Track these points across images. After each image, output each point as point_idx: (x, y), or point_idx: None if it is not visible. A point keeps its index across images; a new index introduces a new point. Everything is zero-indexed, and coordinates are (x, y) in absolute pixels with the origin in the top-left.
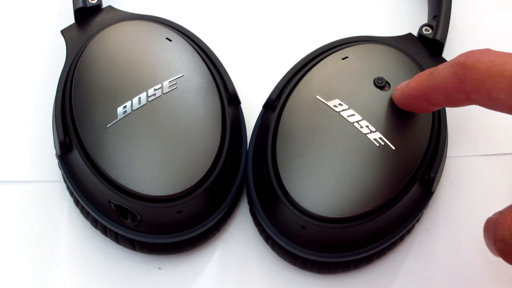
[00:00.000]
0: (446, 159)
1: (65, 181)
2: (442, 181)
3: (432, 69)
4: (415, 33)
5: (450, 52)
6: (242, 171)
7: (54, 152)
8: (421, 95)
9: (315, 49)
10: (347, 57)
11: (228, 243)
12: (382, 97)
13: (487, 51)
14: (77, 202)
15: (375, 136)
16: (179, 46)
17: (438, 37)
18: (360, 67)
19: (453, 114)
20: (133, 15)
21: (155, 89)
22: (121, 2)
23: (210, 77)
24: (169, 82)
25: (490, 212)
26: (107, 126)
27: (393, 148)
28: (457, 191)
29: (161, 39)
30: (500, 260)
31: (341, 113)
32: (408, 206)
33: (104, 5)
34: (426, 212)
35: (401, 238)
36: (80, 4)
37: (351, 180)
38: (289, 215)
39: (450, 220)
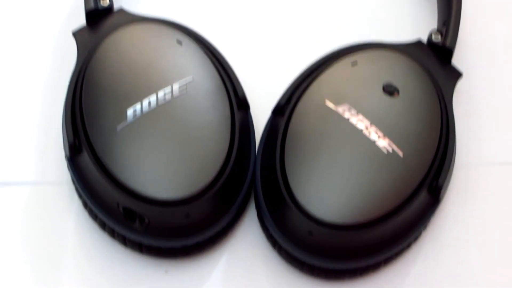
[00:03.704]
0: (454, 167)
1: (73, 183)
2: (450, 189)
3: None
4: (425, 39)
5: (460, 59)
6: (250, 176)
7: (63, 153)
8: None
9: (325, 55)
10: (356, 63)
11: (235, 248)
12: (391, 103)
13: None
14: (85, 205)
15: (383, 142)
16: (190, 49)
17: (447, 44)
18: (369, 73)
19: (462, 122)
20: (144, 18)
21: (165, 92)
22: (133, 5)
23: (219, 81)
24: (179, 85)
25: (497, 221)
26: (117, 129)
27: (401, 155)
28: (465, 199)
29: (171, 42)
30: (507, 270)
31: (350, 119)
32: (416, 213)
33: (116, 7)
34: (433, 220)
35: (408, 246)
36: (92, 6)
37: (358, 186)
38: (296, 221)
39: (458, 229)
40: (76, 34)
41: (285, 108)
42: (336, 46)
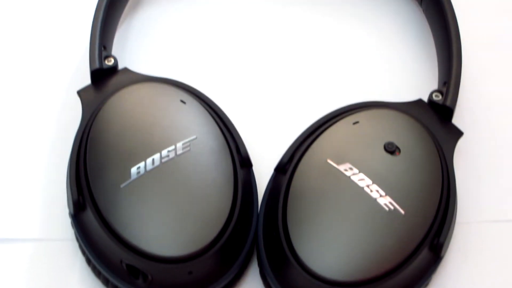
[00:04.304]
0: (456, 224)
1: (77, 240)
2: (451, 246)
3: None
4: (425, 99)
5: (460, 118)
6: (253, 233)
7: (67, 210)
8: None
9: (327, 114)
10: (358, 122)
11: None
12: (392, 162)
13: None
14: (88, 261)
15: (385, 200)
16: (193, 108)
17: (448, 103)
18: (371, 132)
19: (462, 180)
20: (148, 77)
21: (168, 151)
22: (137, 64)
23: (222, 139)
24: (183, 144)
25: (498, 279)
26: (121, 186)
27: (403, 212)
28: (466, 256)
29: (175, 102)
30: None
31: (351, 177)
32: (417, 271)
33: (120, 67)
34: (435, 278)
35: None
36: (97, 66)
37: (360, 244)
38: (298, 279)
39: (459, 286)
40: (81, 93)
41: (287, 166)
42: (338, 105)
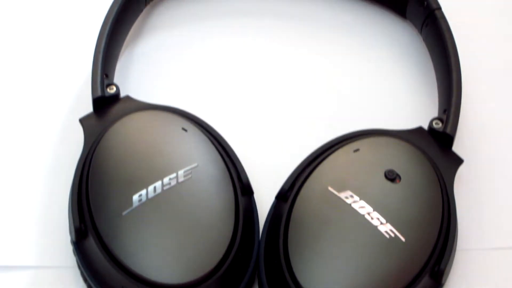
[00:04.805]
0: (456, 251)
1: (79, 268)
2: (452, 273)
3: None
4: (426, 126)
5: (460, 145)
6: (254, 260)
7: (68, 238)
8: None
9: (328, 141)
10: (358, 150)
11: None
12: (393, 189)
13: None
14: None
15: (386, 228)
16: (194, 136)
17: (448, 131)
18: (372, 159)
19: (463, 207)
20: (150, 105)
21: (170, 178)
22: (139, 92)
23: (224, 167)
24: (184, 171)
25: None
26: (123, 214)
27: (403, 240)
28: (467, 284)
29: (177, 129)
30: None
31: (352, 204)
32: None
33: (122, 94)
34: None
35: None
36: (99, 94)
37: (361, 271)
38: None
39: None
40: (83, 121)
41: (288, 194)
42: (338, 133)
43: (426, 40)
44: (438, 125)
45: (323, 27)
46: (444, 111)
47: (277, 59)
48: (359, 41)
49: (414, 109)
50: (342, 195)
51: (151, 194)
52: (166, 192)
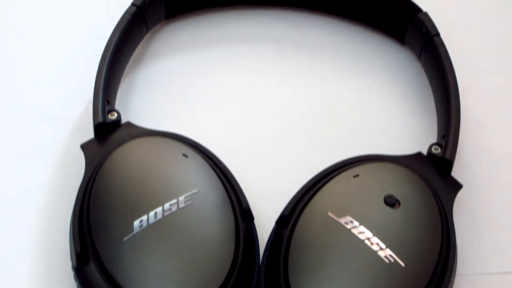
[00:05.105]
0: (456, 276)
1: None
2: None
3: None
4: (425, 152)
5: (460, 170)
6: (254, 286)
7: (69, 263)
8: None
9: (327, 167)
10: (358, 175)
11: None
12: (392, 215)
13: None
14: None
15: (385, 253)
16: (195, 162)
17: (447, 156)
18: (371, 185)
19: (462, 232)
20: (151, 131)
21: (171, 204)
22: (140, 118)
23: (224, 193)
24: (185, 197)
25: None
26: (124, 240)
27: (403, 265)
28: None
29: (177, 155)
30: None
31: (352, 230)
32: None
33: (123, 121)
34: None
35: None
36: (100, 120)
37: None
38: None
39: None
40: (84, 147)
41: (288, 220)
42: (338, 158)
43: (425, 66)
44: (437, 151)
45: (322, 52)
46: (443, 136)
47: (277, 84)
48: (358, 66)
49: (413, 134)
50: (342, 220)
51: (152, 220)
52: (167, 218)
